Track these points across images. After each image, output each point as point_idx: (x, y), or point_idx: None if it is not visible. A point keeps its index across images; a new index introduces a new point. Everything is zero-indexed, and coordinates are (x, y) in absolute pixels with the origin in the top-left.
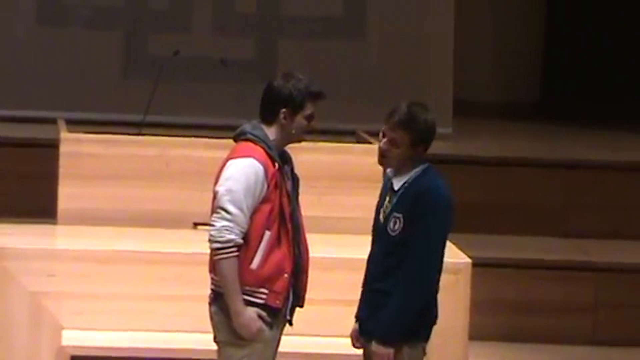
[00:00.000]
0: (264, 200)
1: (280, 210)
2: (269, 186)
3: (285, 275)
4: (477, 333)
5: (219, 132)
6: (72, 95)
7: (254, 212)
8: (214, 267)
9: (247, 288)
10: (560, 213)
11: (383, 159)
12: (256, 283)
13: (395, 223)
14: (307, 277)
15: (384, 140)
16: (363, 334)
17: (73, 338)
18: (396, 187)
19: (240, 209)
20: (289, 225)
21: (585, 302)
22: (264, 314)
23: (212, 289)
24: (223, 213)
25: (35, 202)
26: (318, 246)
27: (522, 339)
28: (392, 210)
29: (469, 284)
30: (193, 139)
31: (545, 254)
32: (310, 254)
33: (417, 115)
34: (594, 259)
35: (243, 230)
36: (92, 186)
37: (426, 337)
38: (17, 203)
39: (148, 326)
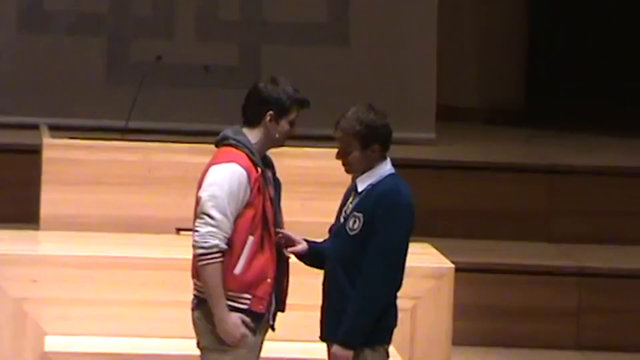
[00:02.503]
0: (247, 205)
1: (263, 215)
2: (252, 191)
3: (268, 280)
4: (461, 338)
5: (201, 138)
6: (55, 101)
7: (237, 217)
8: (197, 273)
9: (231, 293)
10: (544, 218)
11: (344, 167)
12: (239, 288)
13: (354, 222)
14: (288, 281)
15: (337, 151)
16: (326, 337)
17: (56, 344)
18: (360, 189)
19: (224, 215)
20: (272, 230)
21: (569, 307)
22: (247, 319)
23: (195, 295)
24: (207, 219)
25: (17, 208)
26: None
27: (506, 344)
28: (352, 210)
29: (452, 289)
30: (176, 144)
31: (529, 259)
32: (292, 259)
33: (357, 119)
34: (578, 263)
35: (227, 236)
36: (74, 192)
37: (388, 340)
38: None
39: (131, 332)
